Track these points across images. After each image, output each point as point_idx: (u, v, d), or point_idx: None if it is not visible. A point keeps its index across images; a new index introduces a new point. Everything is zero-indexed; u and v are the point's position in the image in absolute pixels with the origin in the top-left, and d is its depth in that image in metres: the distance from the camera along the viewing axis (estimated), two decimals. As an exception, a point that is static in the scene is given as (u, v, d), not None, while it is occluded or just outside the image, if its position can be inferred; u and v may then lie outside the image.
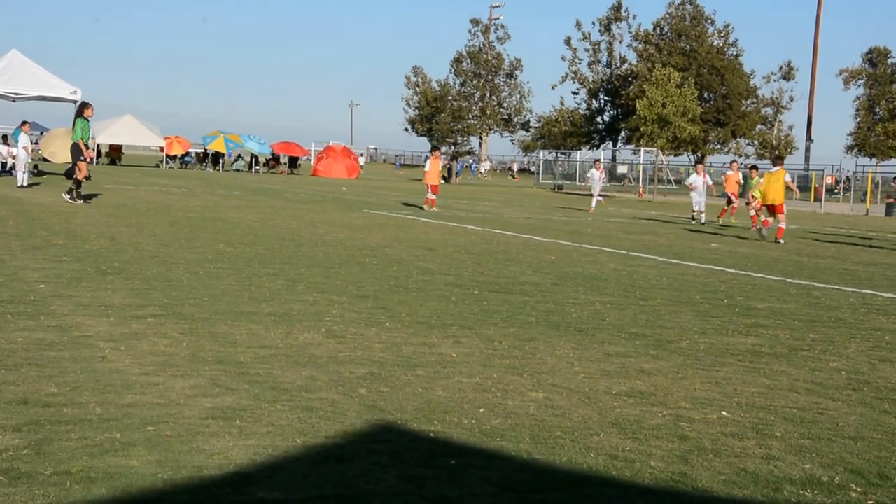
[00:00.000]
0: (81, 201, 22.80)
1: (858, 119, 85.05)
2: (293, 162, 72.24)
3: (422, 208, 29.01)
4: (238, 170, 68.34)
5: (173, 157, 67.50)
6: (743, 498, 4.60)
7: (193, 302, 9.37)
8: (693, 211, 30.33)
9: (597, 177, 36.02)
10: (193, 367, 6.67)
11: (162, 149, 67.31)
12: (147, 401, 5.77)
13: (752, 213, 25.80)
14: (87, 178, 24.25)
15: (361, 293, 10.54)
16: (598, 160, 42.97)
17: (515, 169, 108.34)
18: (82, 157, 23.58)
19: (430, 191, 29.25)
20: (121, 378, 6.28)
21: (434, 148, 31.42)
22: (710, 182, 29.25)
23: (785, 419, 5.99)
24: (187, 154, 69.51)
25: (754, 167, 28.73)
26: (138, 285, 10.31)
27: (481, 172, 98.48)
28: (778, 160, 24.22)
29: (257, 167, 68.82)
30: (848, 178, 55.42)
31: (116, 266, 11.75)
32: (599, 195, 35.67)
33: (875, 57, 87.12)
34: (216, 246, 14.78)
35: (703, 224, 28.70)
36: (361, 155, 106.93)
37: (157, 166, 65.50)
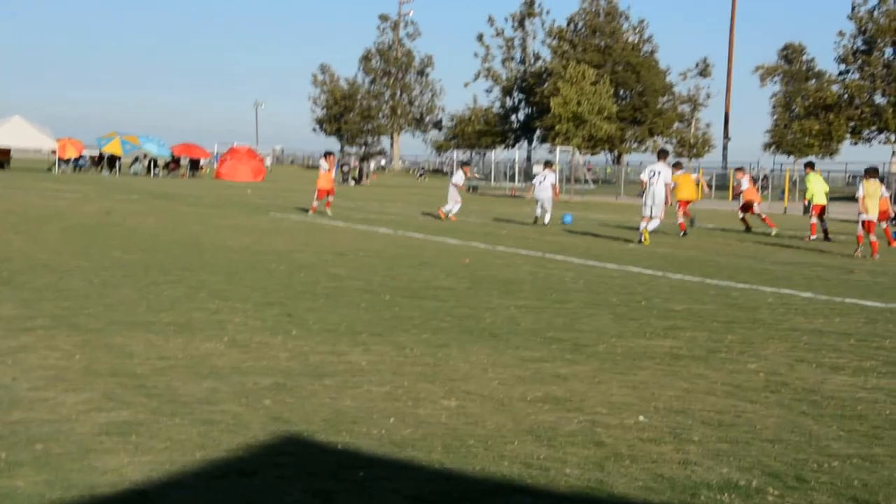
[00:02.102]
0: None
1: (775, 116, 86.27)
2: (195, 164, 70.72)
3: (306, 211, 27.57)
4: (136, 173, 66.66)
5: (66, 161, 65.54)
6: (660, 504, 4.52)
7: (87, 312, 9.01)
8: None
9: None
10: (86, 381, 6.39)
11: (54, 151, 65.24)
12: (36, 417, 5.50)
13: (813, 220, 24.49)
14: None
15: (267, 300, 10.27)
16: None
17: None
18: None
19: (318, 196, 27.51)
20: (7, 394, 5.98)
21: (327, 153, 28.99)
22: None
23: (702, 423, 5.96)
24: (81, 157, 67.58)
25: (809, 164, 26.60)
26: (28, 295, 9.89)
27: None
28: (678, 165, 26.23)
29: (156, 170, 67.25)
30: (766, 177, 56.34)
31: (4, 276, 11.29)
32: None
33: (790, 53, 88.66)
34: (112, 253, 14.29)
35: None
36: (268, 156, 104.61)
37: (50, 170, 63.51)
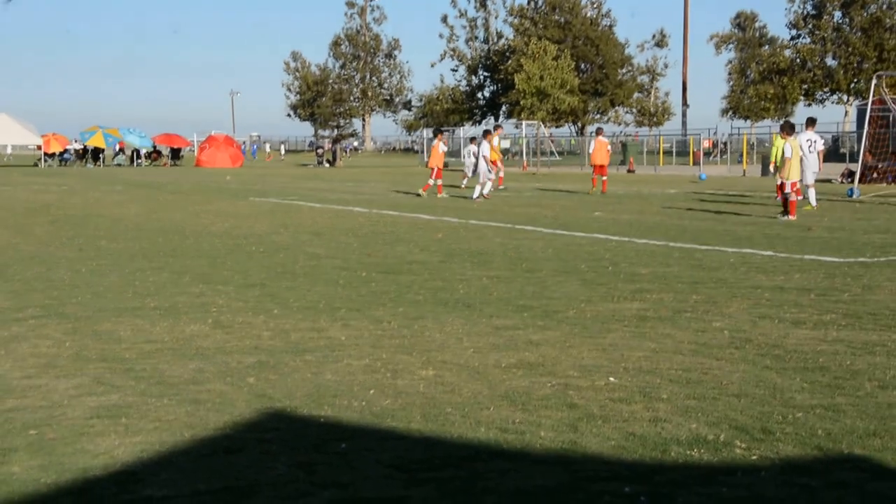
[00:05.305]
0: None
1: (731, 83, 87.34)
2: (176, 153, 70.87)
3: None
4: (120, 164, 66.53)
5: (51, 155, 65.32)
6: (632, 461, 4.68)
7: (76, 301, 9.13)
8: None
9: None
10: (77, 367, 6.51)
11: (39, 147, 65.06)
12: (29, 404, 5.62)
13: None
14: None
15: (248, 281, 10.42)
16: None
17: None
18: None
19: (434, 175, 26.81)
20: (1, 382, 6.10)
21: (438, 131, 29.38)
22: None
23: (671, 381, 6.12)
24: (66, 151, 67.37)
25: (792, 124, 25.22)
26: (17, 287, 10.00)
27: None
28: (600, 131, 30.89)
29: (139, 161, 67.24)
30: (724, 142, 56.92)
31: (-7, 269, 11.35)
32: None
33: (743, 21, 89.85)
34: (98, 243, 14.40)
35: None
36: (251, 143, 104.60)
37: (35, 165, 63.24)
